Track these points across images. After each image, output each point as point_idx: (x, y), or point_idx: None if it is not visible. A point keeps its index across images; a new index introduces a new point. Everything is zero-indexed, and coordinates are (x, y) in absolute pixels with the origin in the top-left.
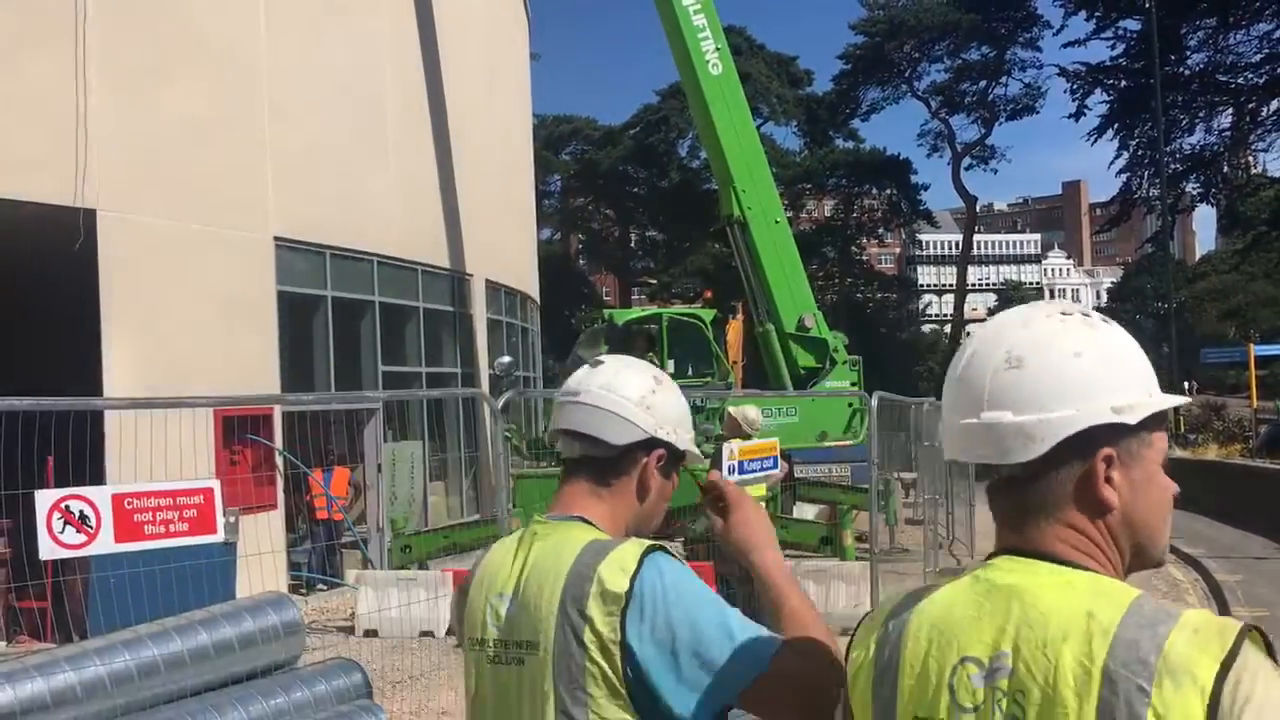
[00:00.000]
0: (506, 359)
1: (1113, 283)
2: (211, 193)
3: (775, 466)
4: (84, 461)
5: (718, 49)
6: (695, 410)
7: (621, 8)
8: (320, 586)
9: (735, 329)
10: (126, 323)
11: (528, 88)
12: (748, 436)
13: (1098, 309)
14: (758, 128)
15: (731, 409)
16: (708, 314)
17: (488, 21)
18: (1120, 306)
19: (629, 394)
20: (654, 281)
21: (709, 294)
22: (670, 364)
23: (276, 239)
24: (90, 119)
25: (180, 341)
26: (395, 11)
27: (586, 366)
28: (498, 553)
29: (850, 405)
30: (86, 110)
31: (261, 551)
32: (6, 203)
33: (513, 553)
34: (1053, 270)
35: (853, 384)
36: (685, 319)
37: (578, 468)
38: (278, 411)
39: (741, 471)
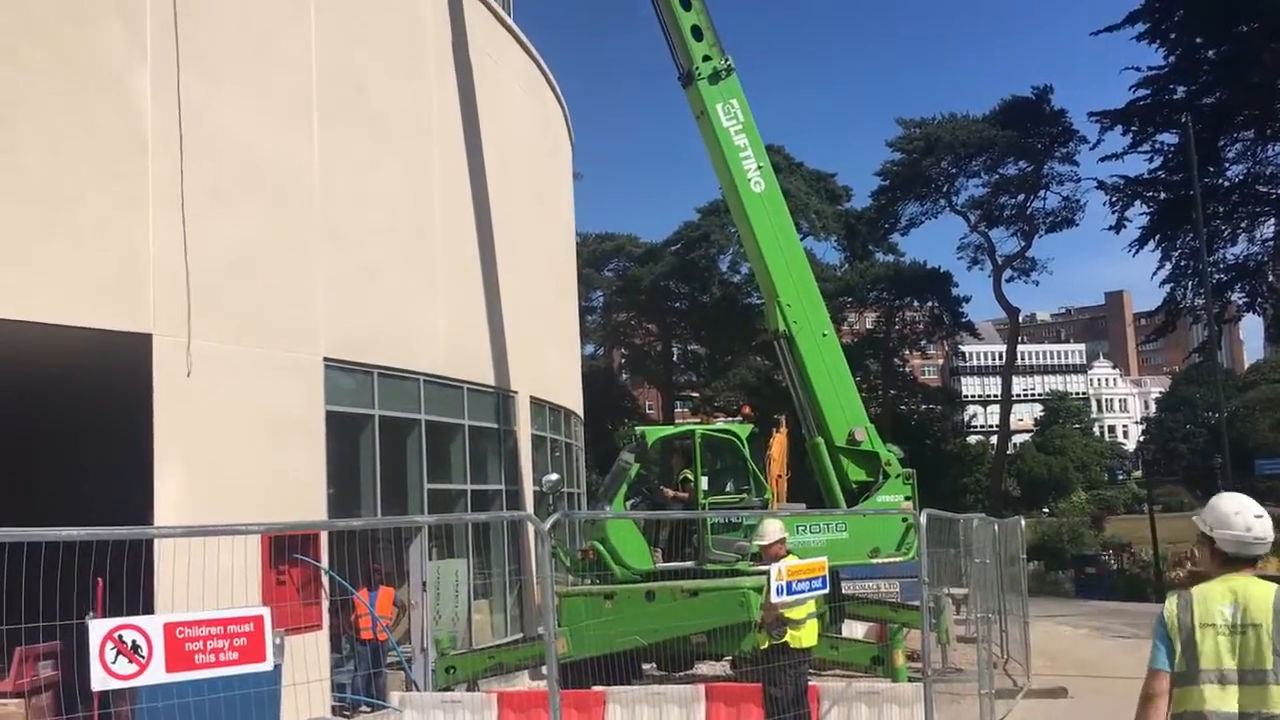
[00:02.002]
0: (554, 476)
1: (1160, 392)
2: (264, 316)
3: (825, 586)
4: (135, 584)
5: (760, 167)
6: (731, 528)
7: (662, 128)
8: (364, 708)
9: (779, 442)
10: (178, 445)
11: (571, 208)
12: (787, 554)
13: (1146, 419)
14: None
15: (759, 539)
16: (744, 429)
17: (533, 145)
18: (1169, 417)
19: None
20: (697, 395)
21: (746, 409)
22: (705, 480)
23: (326, 360)
24: (151, 246)
25: (230, 462)
26: (444, 138)
27: (1255, 518)
28: (1203, 588)
29: (904, 521)
30: (147, 238)
31: (310, 678)
32: (65, 329)
33: (1217, 589)
34: (1099, 380)
35: (907, 498)
36: (720, 435)
37: (1247, 562)
38: (325, 531)
39: (790, 592)
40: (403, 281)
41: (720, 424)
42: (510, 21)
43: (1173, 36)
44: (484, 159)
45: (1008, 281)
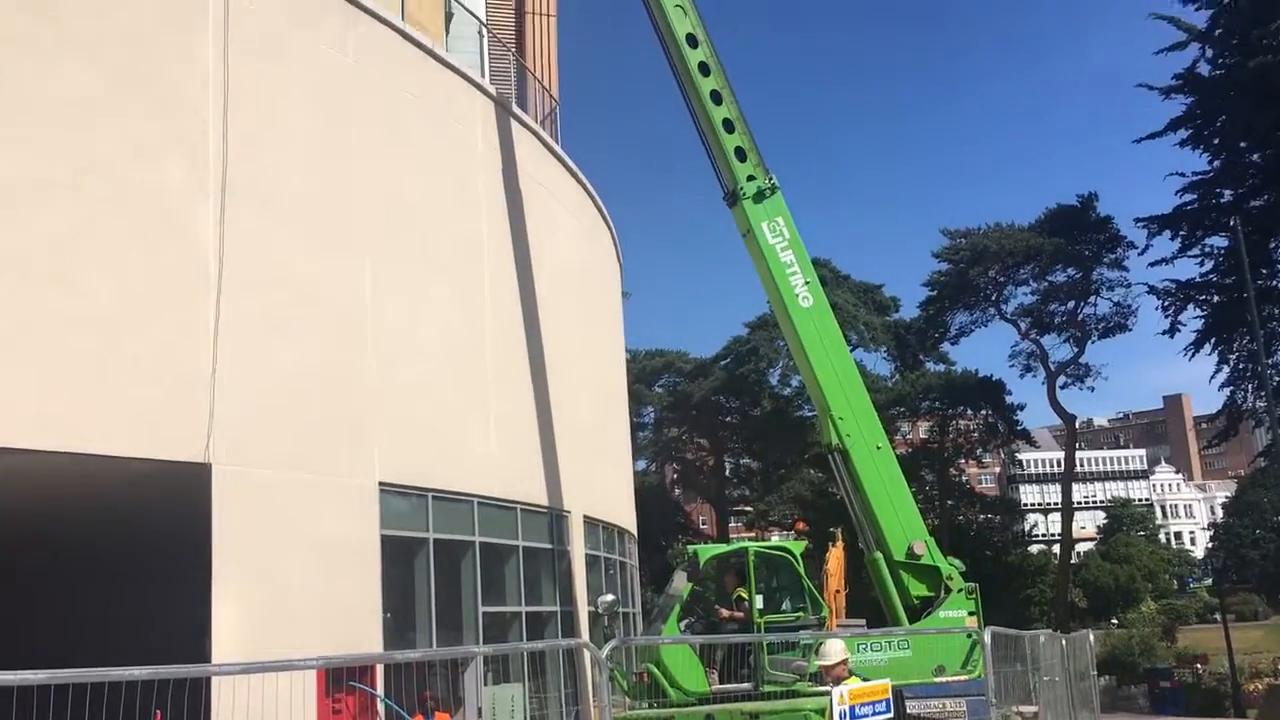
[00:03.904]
0: (609, 597)
1: (1227, 497)
2: (321, 442)
3: (888, 710)
4: (195, 715)
5: (807, 283)
6: (788, 647)
7: (710, 244)
8: None
9: (836, 557)
10: (234, 572)
11: (620, 326)
12: (850, 675)
13: (1213, 525)
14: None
15: (822, 659)
16: (797, 546)
17: (582, 266)
18: (1238, 522)
19: None
20: (750, 510)
21: (800, 525)
22: (760, 599)
23: (381, 484)
24: (210, 376)
25: (286, 588)
26: (494, 262)
27: None
28: None
29: (969, 637)
30: (209, 369)
31: None
32: (124, 460)
33: None
34: (1162, 486)
35: (970, 613)
36: (774, 552)
37: None
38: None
39: (854, 717)
40: (455, 404)
41: (774, 541)
42: (558, 149)
43: (1216, 141)
44: (534, 282)
45: (1062, 388)
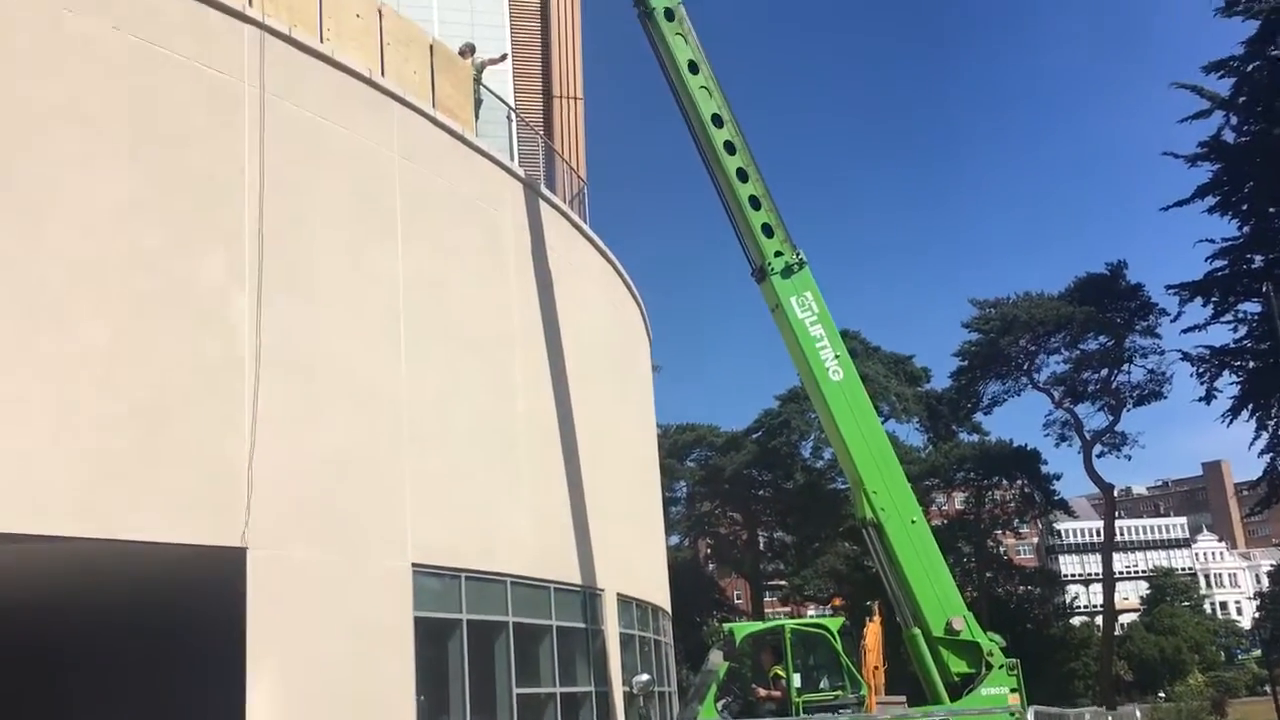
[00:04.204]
0: (644, 677)
1: (1272, 565)
2: (355, 524)
3: None
4: None
5: (837, 356)
6: None
7: (738, 318)
8: None
9: (874, 632)
10: (269, 656)
11: (651, 401)
12: None
13: (1260, 594)
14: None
15: None
16: (834, 623)
17: (612, 343)
18: None
19: None
20: (785, 584)
21: (837, 601)
22: (797, 677)
23: (414, 565)
24: (246, 461)
25: (320, 672)
26: (525, 341)
27: None
28: None
29: (1012, 716)
30: (246, 454)
31: None
32: (159, 546)
33: None
34: (1205, 554)
35: (1013, 690)
36: (811, 630)
37: None
38: None
39: None
40: (487, 483)
41: (811, 618)
42: (586, 228)
43: (1244, 207)
44: (565, 359)
45: (1098, 457)
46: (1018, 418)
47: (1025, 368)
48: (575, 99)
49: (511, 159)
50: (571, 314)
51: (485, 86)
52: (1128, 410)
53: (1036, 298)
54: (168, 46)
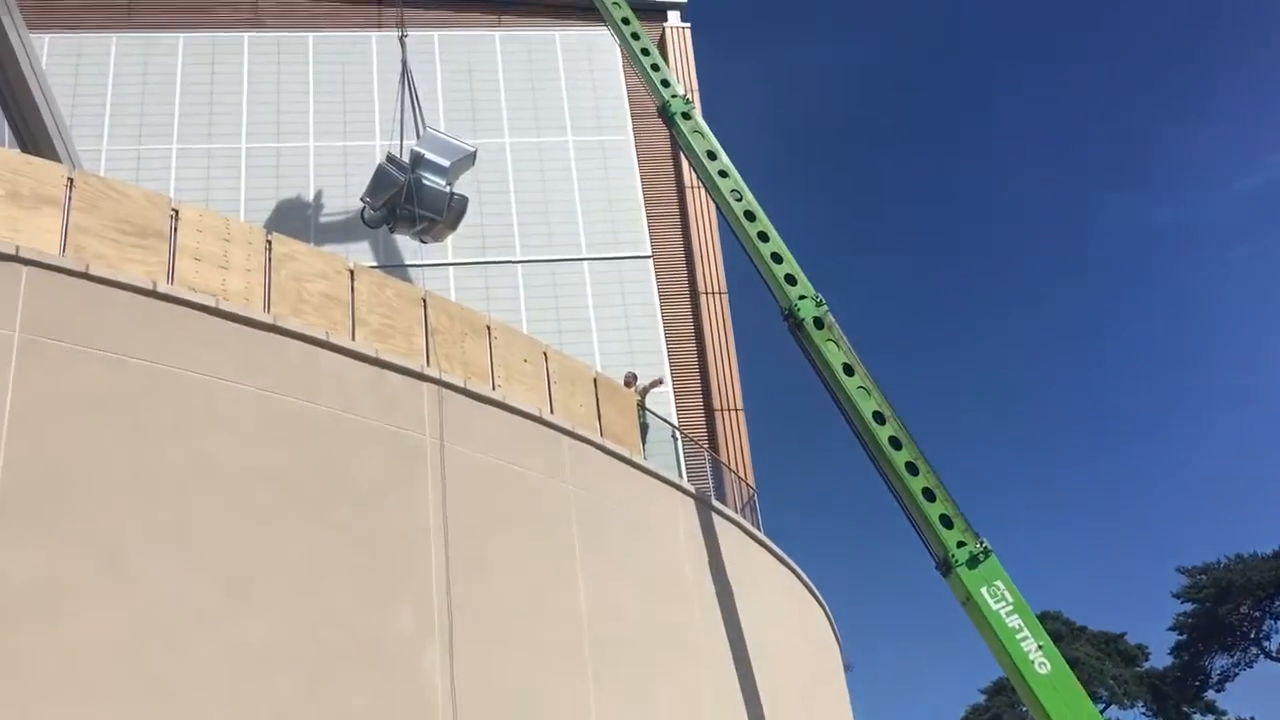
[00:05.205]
0: None
1: None
2: None
3: None
4: None
5: (1040, 646)
6: None
7: (928, 609)
8: None
9: None
10: None
11: (847, 703)
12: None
13: None
14: (1100, 712)
15: None
16: None
17: (800, 650)
18: None
19: None
20: None
21: None
22: None
23: None
24: None
25: None
26: (712, 657)
27: None
28: None
29: None
30: None
31: None
32: None
33: None
34: None
35: None
36: None
37: None
38: None
39: None
40: None
41: None
42: (761, 535)
43: None
44: (753, 673)
45: None
46: (1255, 691)
47: (1253, 636)
48: (736, 410)
49: (680, 476)
50: (755, 624)
51: (649, 410)
52: None
53: (1250, 559)
54: (354, 411)
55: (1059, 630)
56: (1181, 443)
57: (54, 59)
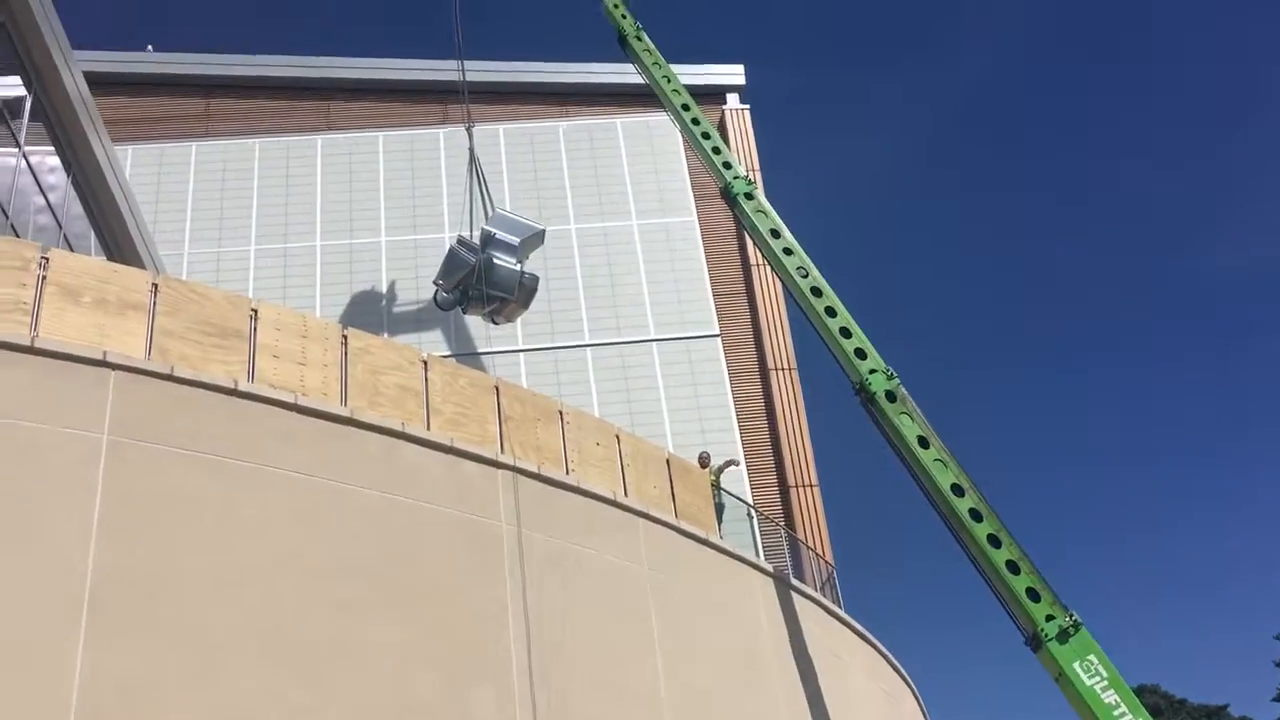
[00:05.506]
0: None
1: None
2: None
3: None
4: None
5: None
6: None
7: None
8: None
9: None
10: None
11: None
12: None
13: None
14: None
15: None
16: None
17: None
18: None
19: None
20: None
21: None
22: None
23: None
24: None
25: None
26: None
27: None
28: None
29: None
30: None
31: None
32: None
33: None
34: None
35: None
36: None
37: None
38: None
39: None
40: None
41: None
42: (841, 613)
43: None
44: None
45: None
46: None
47: None
48: (811, 486)
49: (757, 554)
50: (841, 704)
51: (724, 489)
52: None
53: None
54: (432, 500)
55: (1158, 704)
56: (1276, 505)
57: (137, 168)
